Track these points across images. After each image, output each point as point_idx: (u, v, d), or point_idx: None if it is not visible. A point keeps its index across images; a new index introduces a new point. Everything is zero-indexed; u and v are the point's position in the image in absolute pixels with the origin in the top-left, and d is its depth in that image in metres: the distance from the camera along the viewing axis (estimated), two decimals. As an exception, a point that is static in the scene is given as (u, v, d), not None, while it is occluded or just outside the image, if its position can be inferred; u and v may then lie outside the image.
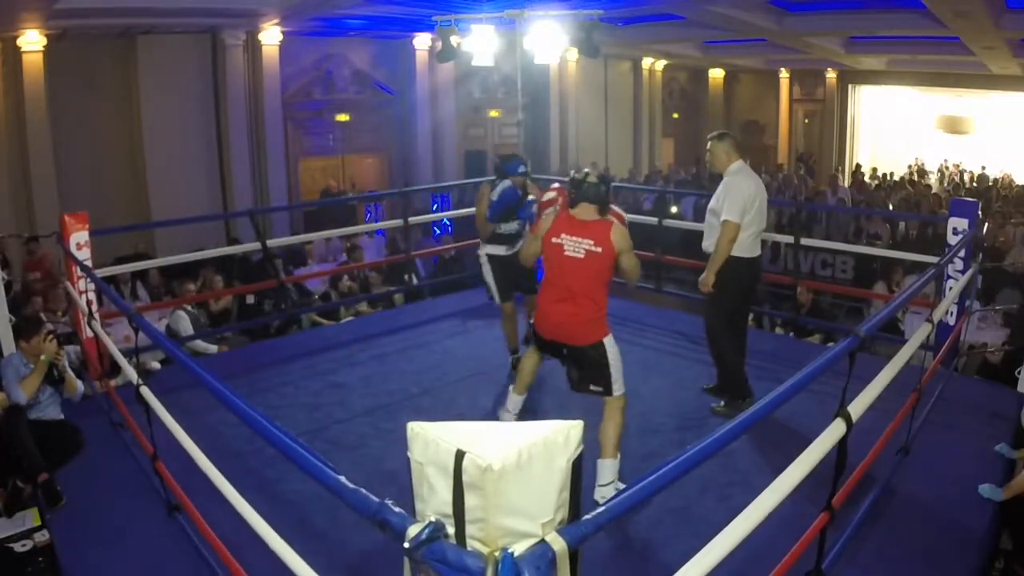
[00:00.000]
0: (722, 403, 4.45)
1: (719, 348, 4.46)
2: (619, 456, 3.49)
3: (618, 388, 3.51)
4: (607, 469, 3.45)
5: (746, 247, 4.23)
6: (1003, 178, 16.16)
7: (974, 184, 16.30)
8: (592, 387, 3.55)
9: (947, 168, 17.55)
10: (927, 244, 8.96)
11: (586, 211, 3.52)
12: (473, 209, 5.48)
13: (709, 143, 4.35)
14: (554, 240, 3.51)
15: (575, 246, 3.46)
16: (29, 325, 4.27)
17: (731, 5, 11.35)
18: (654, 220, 6.50)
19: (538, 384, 4.95)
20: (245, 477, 3.47)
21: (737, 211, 4.14)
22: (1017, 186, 15.40)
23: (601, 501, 3.26)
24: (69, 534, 3.34)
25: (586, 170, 3.71)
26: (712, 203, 4.31)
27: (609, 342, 3.49)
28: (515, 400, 3.99)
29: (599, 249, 3.43)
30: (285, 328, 6.97)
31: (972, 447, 3.92)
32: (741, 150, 4.32)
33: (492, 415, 4.39)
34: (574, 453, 1.48)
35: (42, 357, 4.09)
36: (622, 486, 3.31)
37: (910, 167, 18.07)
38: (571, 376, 3.65)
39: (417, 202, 12.88)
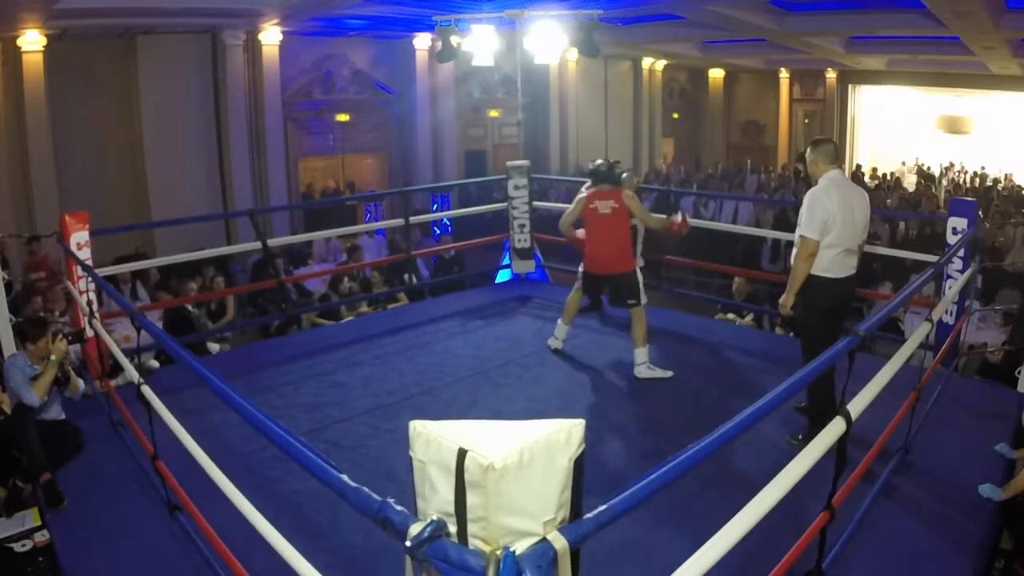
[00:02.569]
0: (800, 436, 3.97)
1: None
2: (648, 346, 5.04)
3: (643, 300, 5.09)
4: (640, 354, 5.02)
5: (828, 266, 3.84)
6: (1006, 179, 16.10)
7: (975, 184, 16.31)
8: (629, 301, 5.06)
9: (947, 169, 17.55)
10: (927, 244, 8.96)
11: (604, 187, 5.08)
12: (473, 209, 5.64)
13: (807, 150, 4.02)
14: (590, 206, 5.07)
15: (605, 206, 5.03)
16: (35, 327, 4.25)
17: (731, 5, 11.35)
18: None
19: (539, 384, 4.97)
20: (246, 476, 3.48)
21: (814, 227, 3.78)
22: (1015, 186, 15.41)
23: (637, 375, 4.98)
24: (69, 534, 3.34)
25: (599, 160, 5.25)
26: (799, 217, 3.96)
27: (635, 271, 5.08)
28: (563, 329, 5.42)
29: (618, 206, 5.01)
30: (285, 328, 6.97)
31: (972, 447, 3.92)
32: (836, 157, 3.97)
33: (492, 415, 4.39)
34: (576, 452, 1.47)
35: (52, 357, 4.09)
36: (653, 367, 5.00)
37: (903, 163, 18.10)
38: (612, 298, 5.34)
39: (417, 202, 12.90)
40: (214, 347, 6.68)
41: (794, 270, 3.90)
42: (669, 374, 4.96)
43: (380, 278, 8.36)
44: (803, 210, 3.85)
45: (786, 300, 3.97)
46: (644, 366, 4.99)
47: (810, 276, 3.86)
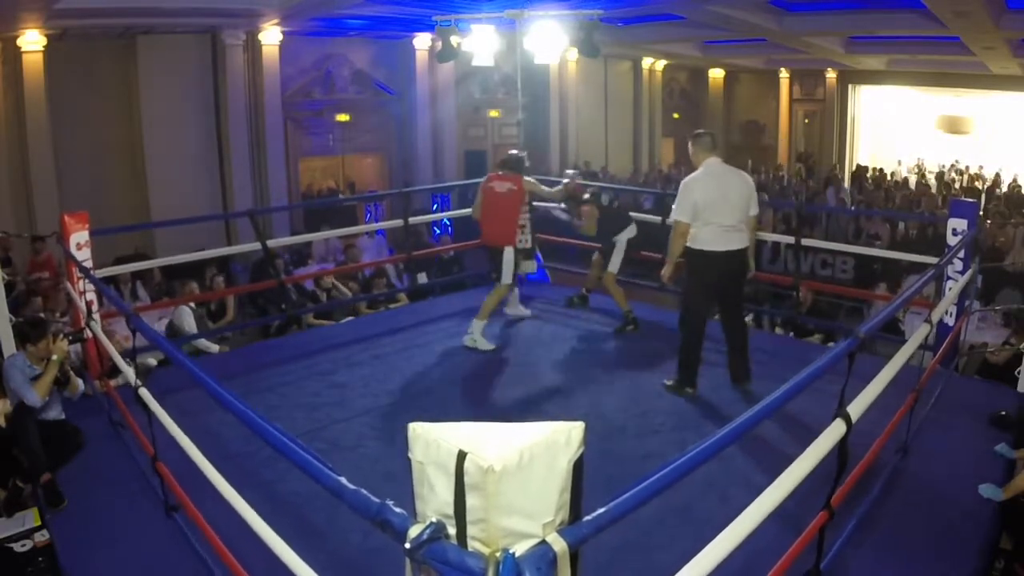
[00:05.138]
0: (670, 382, 4.68)
1: (681, 332, 4.69)
2: (486, 320, 5.50)
3: (505, 280, 5.49)
4: (475, 325, 5.47)
5: (707, 240, 4.37)
6: (1011, 184, 15.97)
7: (974, 184, 16.28)
8: (494, 274, 5.56)
9: (950, 169, 17.52)
10: (927, 244, 8.96)
11: (506, 172, 5.61)
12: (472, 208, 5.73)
13: (689, 143, 4.60)
14: (489, 184, 5.58)
15: (502, 186, 5.52)
16: (35, 328, 4.24)
17: (731, 5, 11.35)
18: (657, 219, 6.52)
19: (539, 384, 4.97)
20: (244, 477, 3.47)
21: (680, 211, 4.37)
22: (1014, 186, 15.38)
23: (463, 343, 5.48)
24: (69, 534, 3.34)
25: (513, 151, 5.79)
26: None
27: (508, 250, 5.45)
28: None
29: (515, 188, 5.48)
30: (285, 328, 6.97)
31: (972, 447, 3.92)
32: (713, 147, 4.51)
33: (492, 415, 4.39)
34: (575, 454, 1.47)
35: (53, 357, 4.08)
36: (477, 339, 5.43)
37: (899, 163, 18.07)
38: (491, 268, 5.66)
39: (417, 202, 12.90)
40: (214, 347, 6.67)
41: (669, 247, 4.54)
42: (491, 347, 5.44)
43: (383, 282, 8.35)
44: (678, 196, 4.42)
45: (664, 271, 4.65)
46: (469, 337, 5.47)
47: (692, 250, 4.41)
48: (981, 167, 16.96)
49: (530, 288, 7.00)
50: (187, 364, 2.63)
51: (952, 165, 17.50)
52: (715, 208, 4.31)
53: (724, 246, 4.37)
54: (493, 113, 15.91)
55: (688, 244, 4.43)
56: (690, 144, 4.56)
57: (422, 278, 8.24)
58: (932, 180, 17.03)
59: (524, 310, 6.18)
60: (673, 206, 4.50)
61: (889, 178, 16.73)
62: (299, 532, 3.12)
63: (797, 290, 6.23)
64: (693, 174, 4.43)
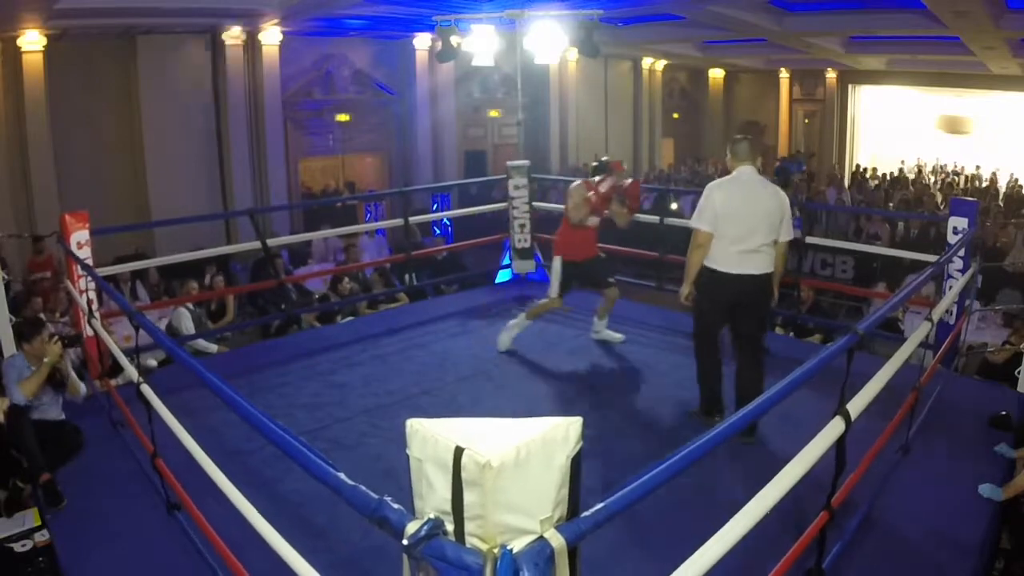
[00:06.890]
0: (694, 410, 4.32)
1: (696, 358, 4.25)
2: (529, 322, 5.42)
3: (550, 292, 5.34)
4: (514, 326, 5.40)
5: (716, 257, 3.89)
6: (1011, 182, 15.93)
7: (972, 185, 16.27)
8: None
9: (942, 169, 17.52)
10: (928, 244, 8.96)
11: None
12: (473, 209, 5.66)
13: (727, 149, 4.12)
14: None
15: None
16: (30, 327, 4.25)
17: (731, 5, 11.35)
18: (655, 219, 6.49)
19: (539, 384, 4.97)
20: (245, 476, 3.48)
21: (699, 218, 3.90)
22: (1015, 185, 15.37)
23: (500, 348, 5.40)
24: (69, 534, 3.34)
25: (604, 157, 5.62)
26: None
27: (555, 259, 5.32)
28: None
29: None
30: (285, 328, 6.97)
31: (972, 447, 3.92)
32: (749, 156, 3.96)
33: (492, 414, 4.38)
34: (573, 450, 1.47)
35: (45, 360, 4.07)
36: (508, 333, 5.39)
37: (902, 163, 18.09)
38: None
39: (417, 202, 12.91)
40: (212, 347, 6.67)
41: (687, 260, 4.02)
42: (505, 348, 5.38)
43: (381, 281, 8.35)
44: (699, 203, 3.94)
45: (682, 290, 4.10)
46: (506, 334, 5.43)
47: (702, 266, 3.93)
48: (978, 167, 16.94)
49: (529, 288, 7.00)
50: (189, 362, 2.63)
51: (945, 167, 17.48)
52: (733, 220, 3.81)
53: (737, 268, 3.84)
54: (493, 113, 15.93)
55: None
56: (727, 150, 4.05)
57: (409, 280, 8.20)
58: (931, 180, 17.03)
59: (614, 335, 5.62)
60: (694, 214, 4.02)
61: (886, 178, 16.69)
62: (300, 530, 3.13)
63: (798, 289, 6.23)
64: (716, 180, 4.01)
